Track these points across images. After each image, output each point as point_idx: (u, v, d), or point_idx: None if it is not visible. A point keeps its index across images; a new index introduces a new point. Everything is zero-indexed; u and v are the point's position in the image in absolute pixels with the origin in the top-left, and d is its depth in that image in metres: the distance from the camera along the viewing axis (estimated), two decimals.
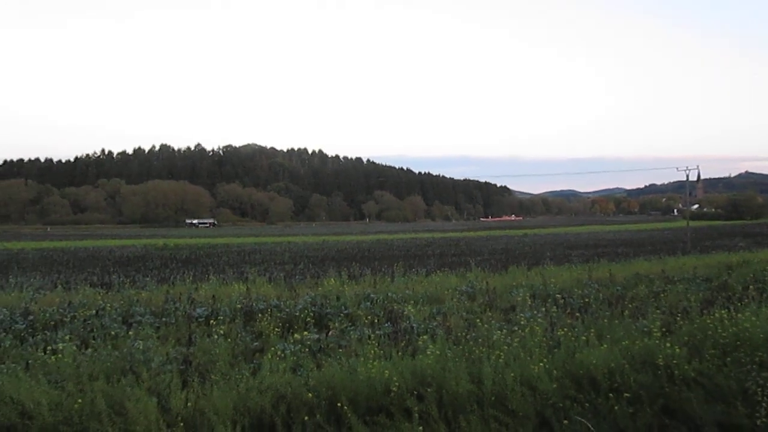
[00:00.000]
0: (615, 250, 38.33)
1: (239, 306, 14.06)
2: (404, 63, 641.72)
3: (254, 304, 14.35)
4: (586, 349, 8.29)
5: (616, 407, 6.78)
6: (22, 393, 6.43)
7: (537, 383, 7.16)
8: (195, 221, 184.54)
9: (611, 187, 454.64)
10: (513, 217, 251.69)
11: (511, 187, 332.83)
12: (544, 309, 12.40)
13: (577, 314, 11.98)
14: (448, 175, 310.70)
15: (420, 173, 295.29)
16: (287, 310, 13.72)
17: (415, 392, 6.87)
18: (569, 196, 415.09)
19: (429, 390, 6.82)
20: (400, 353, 8.33)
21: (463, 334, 9.98)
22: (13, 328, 12.26)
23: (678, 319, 10.67)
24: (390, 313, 13.20)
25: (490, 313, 12.08)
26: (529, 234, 76.33)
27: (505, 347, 8.27)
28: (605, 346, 8.27)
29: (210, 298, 15.47)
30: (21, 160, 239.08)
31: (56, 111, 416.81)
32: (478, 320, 11.10)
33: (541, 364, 7.48)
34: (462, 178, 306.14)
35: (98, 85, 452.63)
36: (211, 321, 12.05)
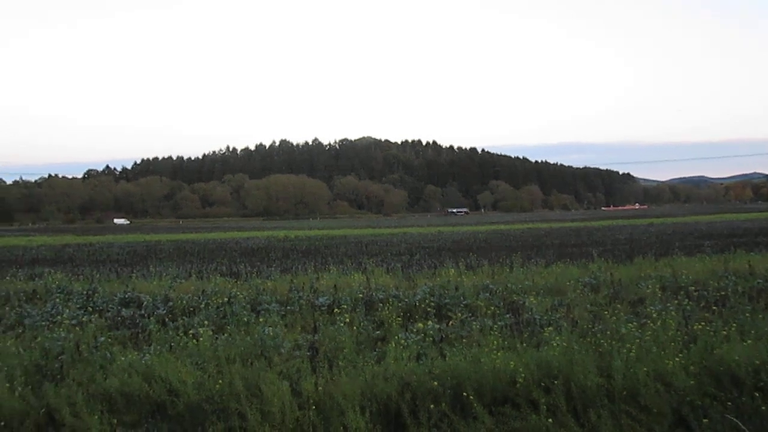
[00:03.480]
0: (754, 240, 35.49)
1: (360, 296, 14.37)
2: (514, 50, 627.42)
3: (374, 294, 14.62)
4: (727, 345, 7.75)
5: (762, 407, 6.31)
6: (170, 372, 6.95)
7: (672, 379, 6.80)
8: (454, 210, 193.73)
9: (748, 171, 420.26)
10: (637, 206, 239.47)
11: (634, 174, 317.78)
12: (676, 302, 11.73)
13: (714, 308, 11.22)
14: (566, 163, 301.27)
15: (537, 162, 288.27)
16: (406, 300, 13.85)
17: (542, 384, 6.73)
18: (699, 182, 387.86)
19: (556, 382, 6.67)
20: (524, 344, 8.20)
21: (589, 326, 9.66)
22: (155, 313, 13.25)
23: None
24: (510, 304, 13.02)
25: (619, 306, 11.57)
26: (655, 223, 72.28)
27: (636, 341, 7.90)
28: (749, 342, 7.71)
29: (331, 288, 15.90)
30: (156, 159, 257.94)
31: (185, 113, 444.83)
32: (605, 312, 10.69)
33: (676, 359, 7.10)
34: (581, 166, 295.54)
35: (222, 87, 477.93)
36: (335, 310, 12.40)
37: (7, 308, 14.20)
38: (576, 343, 7.99)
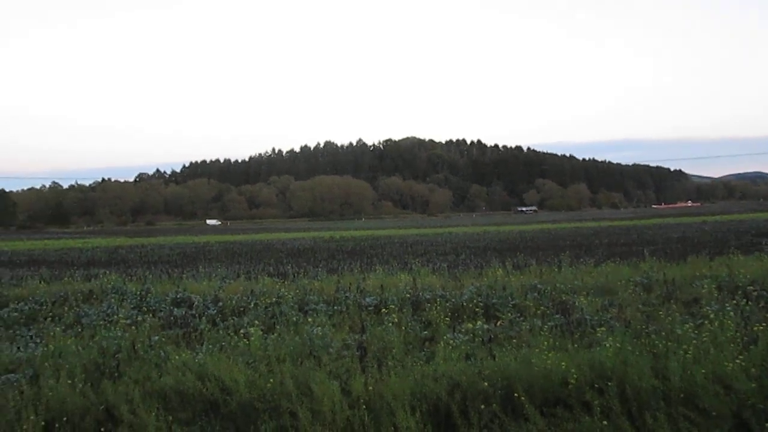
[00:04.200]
0: None
1: (407, 296, 14.36)
2: (558, 44, 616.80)
3: (420, 294, 14.59)
4: None
5: None
6: (222, 371, 7.08)
7: (732, 382, 6.58)
8: (524, 209, 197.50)
9: None
10: (689, 203, 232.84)
11: (686, 171, 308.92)
12: (733, 302, 11.36)
13: None
14: (614, 161, 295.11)
15: (584, 159, 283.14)
16: (453, 300, 13.78)
17: (595, 385, 6.60)
18: (755, 178, 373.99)
19: (609, 384, 6.53)
20: (575, 345, 8.06)
21: (642, 327, 9.44)
22: (206, 313, 13.51)
23: None
24: (559, 304, 12.83)
25: (674, 306, 11.27)
26: (708, 221, 70.21)
27: (693, 342, 7.68)
28: None
29: (378, 288, 15.92)
30: (204, 162, 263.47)
31: (232, 117, 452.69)
32: (659, 313, 10.43)
33: (736, 361, 6.86)
34: (630, 163, 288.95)
35: (268, 90, 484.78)
36: (383, 310, 12.43)
37: (65, 308, 14.67)
38: (629, 344, 7.81)
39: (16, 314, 14.06)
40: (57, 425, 6.24)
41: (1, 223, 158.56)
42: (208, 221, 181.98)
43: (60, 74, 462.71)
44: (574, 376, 6.71)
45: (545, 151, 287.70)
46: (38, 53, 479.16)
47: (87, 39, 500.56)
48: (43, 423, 6.17)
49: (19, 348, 10.07)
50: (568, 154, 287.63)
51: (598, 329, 9.27)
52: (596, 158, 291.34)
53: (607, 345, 7.61)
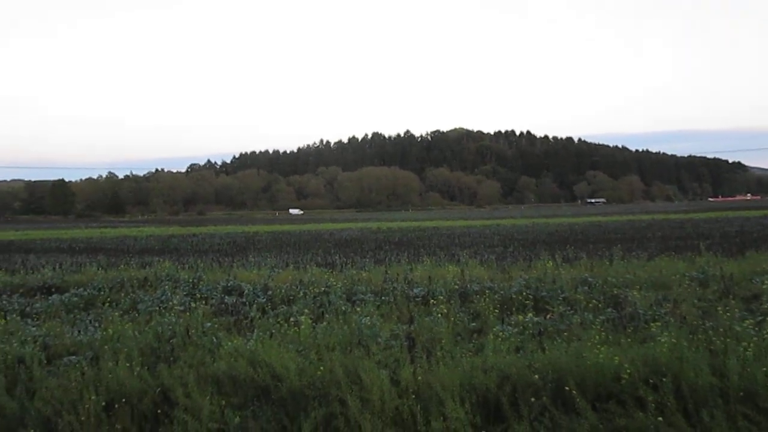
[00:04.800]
0: None
1: (455, 287, 14.32)
2: (610, 30, 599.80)
3: (468, 286, 14.53)
4: None
5: None
6: (273, 358, 7.20)
7: None
8: (592, 200, 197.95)
9: None
10: (749, 197, 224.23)
11: (746, 162, 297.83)
12: None
13: None
14: (668, 152, 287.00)
15: (637, 151, 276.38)
16: (501, 292, 13.67)
17: (649, 381, 6.46)
18: None
19: (664, 380, 6.38)
20: (628, 340, 7.90)
21: (699, 322, 9.19)
22: (256, 301, 13.75)
23: None
24: (611, 298, 12.59)
25: (732, 302, 10.92)
26: None
27: (753, 339, 7.43)
28: None
29: (425, 279, 15.92)
30: (253, 153, 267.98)
31: (281, 108, 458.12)
32: (717, 309, 10.12)
33: None
34: (686, 155, 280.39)
35: (316, 82, 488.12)
36: (431, 301, 12.42)
37: (122, 294, 15.16)
38: (685, 340, 7.61)
39: (76, 299, 14.59)
40: (116, 406, 6.47)
41: (61, 211, 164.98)
42: (291, 210, 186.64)
43: (118, 73, 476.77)
44: (628, 371, 6.58)
45: (597, 142, 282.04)
46: (99, 55, 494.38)
47: (142, 39, 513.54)
48: (103, 403, 6.40)
49: (79, 331, 10.46)
50: (620, 145, 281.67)
51: (652, 324, 9.05)
52: (650, 149, 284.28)
53: (662, 340, 7.43)
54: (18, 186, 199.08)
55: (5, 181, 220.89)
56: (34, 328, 10.75)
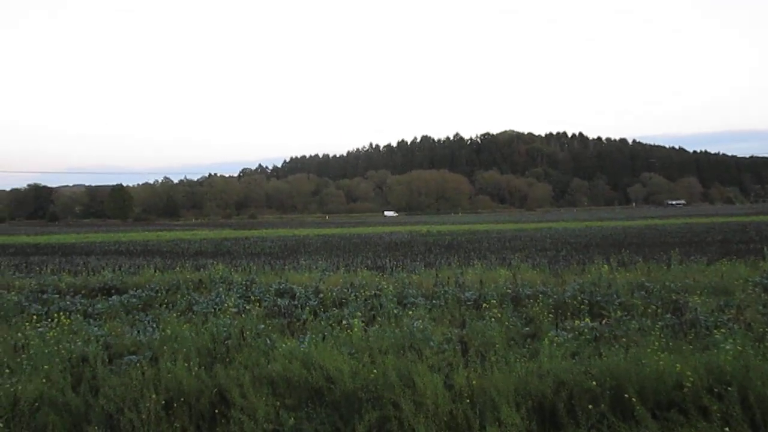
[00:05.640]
0: None
1: (508, 291, 14.16)
2: (666, 24, 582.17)
3: (521, 290, 14.34)
4: None
5: None
6: (326, 360, 7.25)
7: None
8: (672, 202, 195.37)
9: None
10: None
11: None
12: None
13: None
14: (729, 153, 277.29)
15: (695, 152, 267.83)
16: (555, 296, 13.44)
17: (714, 390, 6.24)
18: None
19: (729, 389, 6.15)
20: (690, 347, 7.65)
21: (765, 330, 8.83)
22: (308, 304, 13.87)
23: None
24: (670, 304, 12.23)
25: None
26: None
27: None
28: None
29: (477, 283, 15.80)
30: (303, 157, 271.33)
31: (331, 112, 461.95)
32: None
33: None
34: (748, 156, 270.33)
35: (365, 86, 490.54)
36: (484, 305, 12.30)
37: (178, 296, 15.50)
38: (751, 348, 7.32)
39: (134, 300, 15.01)
40: (175, 405, 6.61)
41: (120, 215, 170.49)
42: (386, 213, 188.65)
43: (174, 82, 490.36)
44: (690, 379, 6.37)
45: (652, 143, 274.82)
46: (155, 66, 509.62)
47: (197, 48, 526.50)
48: (163, 402, 6.56)
49: (138, 331, 10.74)
50: (676, 146, 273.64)
51: (714, 331, 8.75)
52: (708, 150, 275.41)
53: (726, 348, 7.17)
54: (79, 191, 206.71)
55: (68, 186, 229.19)
56: (96, 328, 11.09)
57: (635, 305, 12.02)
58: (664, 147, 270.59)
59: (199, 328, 10.29)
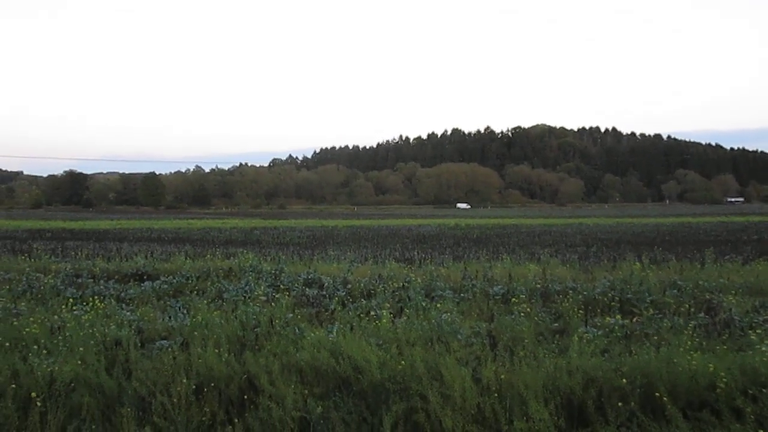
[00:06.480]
0: None
1: (537, 286, 14.06)
2: (701, 15, 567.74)
3: (550, 285, 14.22)
4: None
5: None
6: (354, 351, 7.29)
7: None
8: (731, 199, 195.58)
9: None
10: None
11: None
12: None
13: None
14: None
15: (732, 149, 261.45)
16: (585, 293, 13.31)
17: (748, 392, 6.13)
18: None
19: (764, 391, 6.03)
20: (724, 347, 7.51)
21: None
22: (336, 294, 13.95)
23: None
24: (703, 303, 12.02)
25: None
26: None
27: None
28: None
29: (505, 277, 15.70)
30: (333, 148, 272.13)
31: (361, 103, 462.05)
32: None
33: None
34: None
35: (395, 78, 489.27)
36: (513, 299, 12.24)
37: (208, 283, 15.71)
38: None
39: (166, 287, 15.25)
40: (206, 390, 6.72)
41: (152, 203, 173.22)
42: (459, 205, 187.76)
43: (205, 73, 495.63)
44: (724, 379, 6.26)
45: (687, 139, 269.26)
46: (185, 56, 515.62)
47: (228, 39, 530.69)
48: (194, 386, 6.66)
49: (170, 317, 10.93)
50: (713, 143, 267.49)
51: (749, 332, 8.58)
52: (746, 147, 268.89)
53: (762, 349, 7.03)
54: (113, 178, 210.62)
55: (102, 173, 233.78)
56: (128, 313, 11.32)
57: (667, 303, 11.86)
58: (700, 143, 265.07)
59: (228, 315, 10.42)
